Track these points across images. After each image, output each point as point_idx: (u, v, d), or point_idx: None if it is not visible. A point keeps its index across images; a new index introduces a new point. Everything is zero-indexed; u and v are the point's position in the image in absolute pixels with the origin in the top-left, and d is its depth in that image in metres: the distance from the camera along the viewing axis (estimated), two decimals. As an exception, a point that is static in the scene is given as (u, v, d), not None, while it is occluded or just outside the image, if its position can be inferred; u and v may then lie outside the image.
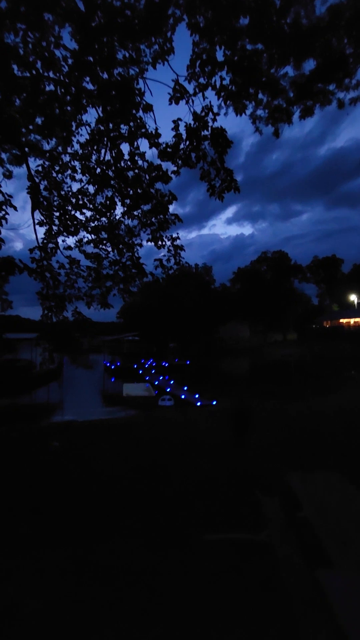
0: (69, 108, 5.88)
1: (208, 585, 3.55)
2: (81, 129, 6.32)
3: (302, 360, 41.41)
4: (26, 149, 6.89)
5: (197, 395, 20.99)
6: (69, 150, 6.55)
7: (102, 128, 6.39)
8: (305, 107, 6.76)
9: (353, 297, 72.76)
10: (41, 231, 6.87)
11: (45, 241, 6.67)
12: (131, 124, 6.47)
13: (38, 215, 6.61)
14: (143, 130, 6.38)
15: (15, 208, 5.71)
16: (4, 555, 4.13)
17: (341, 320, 67.55)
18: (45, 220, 6.64)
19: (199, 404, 19.27)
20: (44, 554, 4.10)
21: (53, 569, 3.83)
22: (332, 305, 79.52)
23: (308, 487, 4.24)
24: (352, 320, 65.51)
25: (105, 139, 6.38)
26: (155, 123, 6.18)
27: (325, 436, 8.88)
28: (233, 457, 7.34)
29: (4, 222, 5.52)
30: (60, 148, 6.86)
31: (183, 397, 21.64)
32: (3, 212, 5.67)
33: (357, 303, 71.90)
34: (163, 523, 4.73)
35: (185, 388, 24.18)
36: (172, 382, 27.54)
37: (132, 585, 3.57)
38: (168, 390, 24.04)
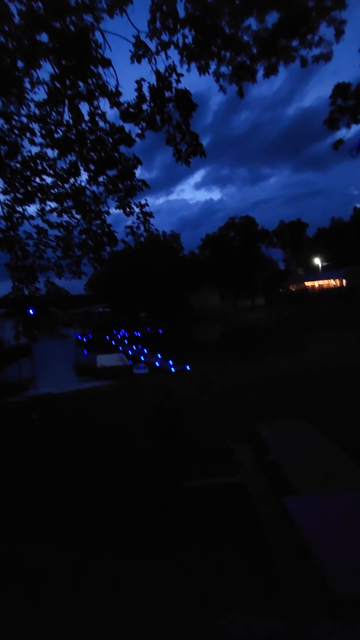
0: (20, 63, 5.43)
1: (189, 522, 3.99)
2: (38, 88, 5.88)
3: (269, 324, 43.08)
4: None
5: (170, 362, 21.52)
6: (25, 111, 6.11)
7: (59, 86, 5.97)
8: (269, 64, 6.64)
9: (317, 261, 75.19)
10: (4, 200, 6.49)
11: (10, 210, 6.35)
12: (90, 81, 6.09)
13: (1, 183, 6.24)
14: (103, 88, 6.04)
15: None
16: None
17: (306, 284, 70.05)
18: (8, 188, 6.27)
19: (173, 369, 19.84)
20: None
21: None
22: (297, 269, 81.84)
23: (275, 434, 4.73)
24: (316, 283, 68.17)
25: (64, 99, 5.99)
26: (117, 82, 5.87)
27: (291, 390, 9.62)
28: (209, 414, 7.84)
29: None
30: (13, 107, 6.37)
31: (157, 364, 22.12)
32: None
33: (322, 266, 74.53)
34: (142, 475, 5.12)
35: (159, 355, 24.65)
36: (145, 350, 27.92)
37: (133, 528, 3.94)
38: (142, 358, 24.42)
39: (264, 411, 7.71)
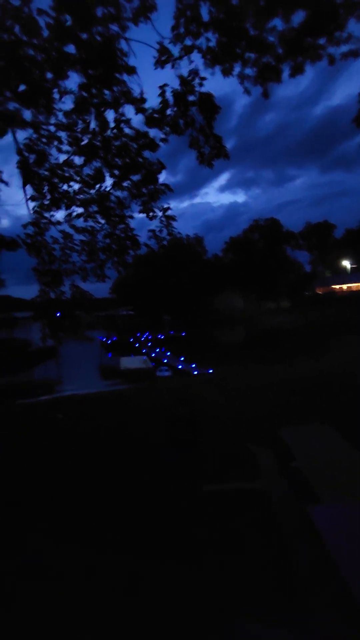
0: (49, 75, 5.65)
1: (208, 527, 3.94)
2: (65, 98, 6.11)
3: (294, 327, 42.15)
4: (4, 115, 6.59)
5: (193, 365, 21.51)
6: (53, 120, 6.36)
7: (85, 95, 6.16)
8: (295, 64, 6.54)
9: (345, 263, 72.89)
10: (32, 206, 6.78)
11: (37, 216, 6.62)
12: (115, 88, 6.25)
13: (29, 190, 6.52)
14: (128, 95, 6.18)
15: (6, 183, 5.67)
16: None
17: (334, 286, 68.07)
18: (36, 195, 6.55)
19: (195, 372, 19.81)
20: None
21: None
22: (324, 271, 79.64)
23: (299, 438, 4.60)
24: (344, 286, 66.07)
25: (90, 107, 6.18)
26: (141, 88, 5.99)
27: (315, 394, 9.35)
28: (230, 416, 7.76)
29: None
30: (42, 117, 6.63)
31: (180, 367, 22.18)
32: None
33: (350, 268, 72.14)
34: (166, 477, 5.12)
35: (182, 358, 24.70)
36: (168, 353, 28.05)
37: (150, 530, 3.96)
38: (165, 361, 24.55)
39: (287, 415, 7.53)
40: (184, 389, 8.14)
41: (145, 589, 3.12)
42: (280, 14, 5.92)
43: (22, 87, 5.77)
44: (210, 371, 19.36)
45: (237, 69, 5.99)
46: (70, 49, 5.54)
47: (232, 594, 2.98)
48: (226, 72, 5.43)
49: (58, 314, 7.01)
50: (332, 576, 2.55)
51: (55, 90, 6.13)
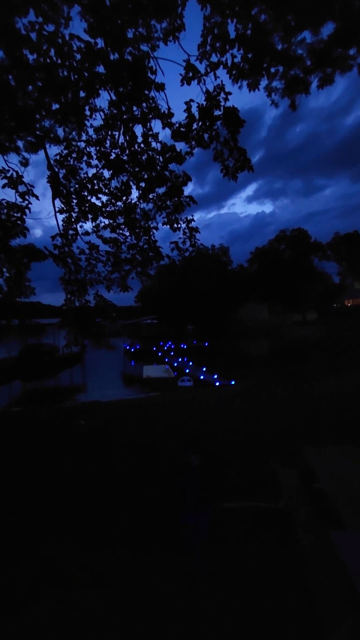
0: (82, 93, 5.92)
1: (228, 546, 3.82)
2: (95, 115, 6.36)
3: (321, 340, 40.87)
4: (38, 133, 6.94)
5: (215, 376, 21.25)
6: (83, 136, 6.62)
7: (115, 111, 6.39)
8: (324, 75, 6.51)
9: (376, 274, 70.19)
10: (61, 218, 7.05)
11: (65, 228, 6.86)
12: (144, 105, 6.43)
13: (58, 203, 6.79)
14: (156, 110, 6.34)
15: (37, 197, 5.93)
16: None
17: (363, 299, 65.62)
18: (65, 208, 6.79)
19: (217, 384, 19.55)
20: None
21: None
22: (354, 283, 77.04)
23: (324, 459, 4.41)
24: (375, 298, 63.54)
25: (119, 122, 6.40)
26: (168, 104, 6.14)
27: (343, 412, 8.95)
28: (252, 432, 7.57)
29: (27, 211, 5.80)
30: (75, 133, 6.92)
31: (202, 377, 21.96)
32: (26, 202, 5.92)
33: (381, 280, 69.37)
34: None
35: (204, 369, 24.48)
36: (190, 363, 27.90)
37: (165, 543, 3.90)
38: (187, 371, 24.41)
39: (312, 433, 7.26)
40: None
41: (156, 598, 3.06)
42: (309, 27, 5.94)
43: (55, 106, 6.05)
44: (233, 383, 19.06)
45: (264, 83, 6.04)
46: (102, 68, 5.79)
47: (251, 614, 2.86)
48: (252, 87, 5.47)
49: (82, 322, 7.15)
50: (355, 606, 2.39)
51: (87, 107, 6.39)
